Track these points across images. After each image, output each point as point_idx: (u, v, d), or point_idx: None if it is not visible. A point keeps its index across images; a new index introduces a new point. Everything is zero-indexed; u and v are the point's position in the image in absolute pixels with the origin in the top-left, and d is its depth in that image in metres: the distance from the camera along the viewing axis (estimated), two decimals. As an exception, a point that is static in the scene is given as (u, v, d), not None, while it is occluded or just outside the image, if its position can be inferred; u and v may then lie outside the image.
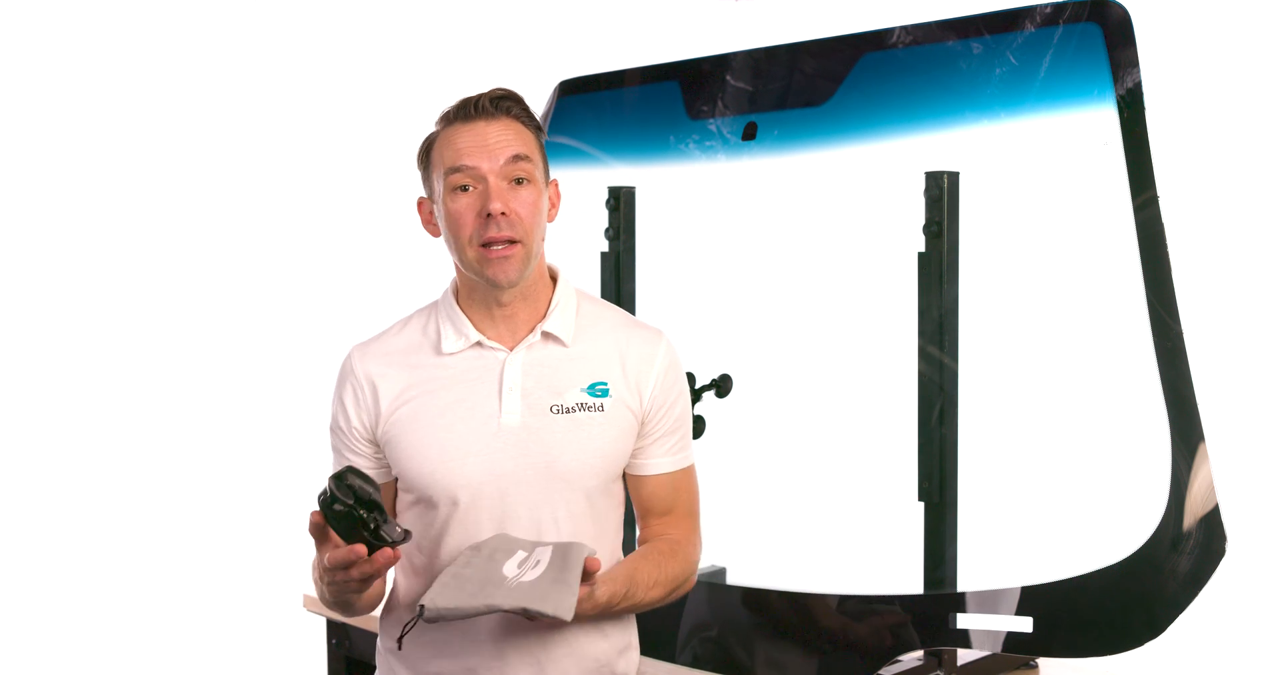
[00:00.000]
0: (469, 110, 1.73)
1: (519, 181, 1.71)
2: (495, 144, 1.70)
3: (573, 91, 2.70)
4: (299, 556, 1.80)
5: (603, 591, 1.66)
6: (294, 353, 3.76)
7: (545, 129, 1.85)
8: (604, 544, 1.81)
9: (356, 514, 1.54)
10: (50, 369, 3.70)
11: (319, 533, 1.59)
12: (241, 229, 3.87)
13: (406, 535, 1.58)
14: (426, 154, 1.77)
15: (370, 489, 1.55)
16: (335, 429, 1.82)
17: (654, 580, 1.74)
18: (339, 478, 1.55)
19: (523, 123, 1.75)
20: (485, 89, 1.75)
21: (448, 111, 1.75)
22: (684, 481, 1.86)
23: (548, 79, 2.72)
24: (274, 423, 3.77)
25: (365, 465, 1.80)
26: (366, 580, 1.60)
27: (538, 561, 1.61)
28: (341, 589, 1.63)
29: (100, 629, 3.69)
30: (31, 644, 3.62)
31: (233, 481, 3.83)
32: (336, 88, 3.88)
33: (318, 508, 1.56)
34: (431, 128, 1.77)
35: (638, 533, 1.87)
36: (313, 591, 1.94)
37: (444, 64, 3.67)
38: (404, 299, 1.93)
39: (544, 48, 3.44)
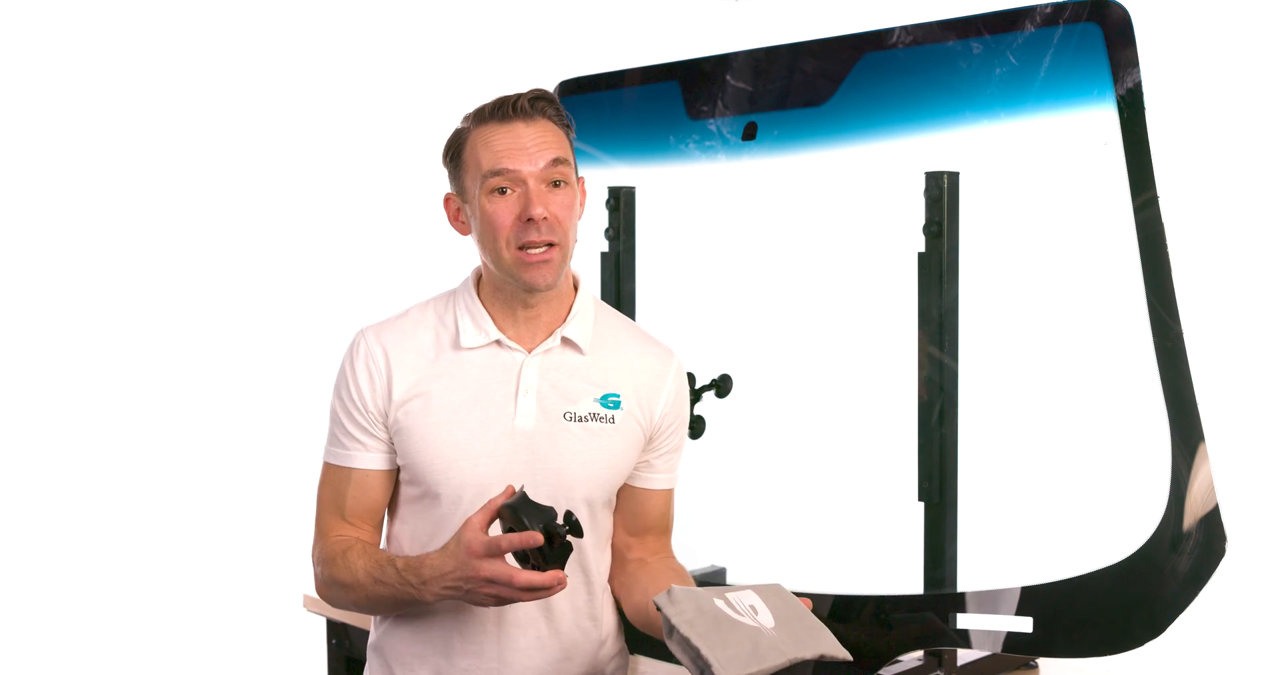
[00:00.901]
0: (507, 110, 1.68)
1: (555, 184, 1.69)
2: (534, 147, 1.67)
3: (573, 91, 2.70)
4: (299, 556, 1.79)
5: None
6: (294, 352, 3.76)
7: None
8: (603, 557, 1.81)
9: (569, 547, 1.53)
10: (50, 369, 3.70)
11: (501, 548, 1.53)
12: (240, 228, 3.86)
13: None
14: (457, 152, 1.72)
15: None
16: (346, 399, 1.75)
17: None
18: (567, 513, 1.53)
19: (557, 123, 1.71)
20: (521, 89, 1.71)
21: (482, 109, 1.71)
22: (672, 501, 1.88)
23: (548, 79, 2.71)
24: (274, 422, 3.77)
25: (379, 452, 1.75)
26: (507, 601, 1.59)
27: (750, 605, 1.54)
28: (476, 599, 1.59)
29: (100, 629, 3.68)
30: (32, 644, 3.61)
31: (233, 480, 3.82)
32: (337, 87, 3.88)
33: (532, 527, 1.51)
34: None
35: (627, 551, 1.86)
36: (312, 591, 1.93)
37: (445, 63, 3.67)
38: (404, 297, 1.92)
39: (544, 48, 3.43)
